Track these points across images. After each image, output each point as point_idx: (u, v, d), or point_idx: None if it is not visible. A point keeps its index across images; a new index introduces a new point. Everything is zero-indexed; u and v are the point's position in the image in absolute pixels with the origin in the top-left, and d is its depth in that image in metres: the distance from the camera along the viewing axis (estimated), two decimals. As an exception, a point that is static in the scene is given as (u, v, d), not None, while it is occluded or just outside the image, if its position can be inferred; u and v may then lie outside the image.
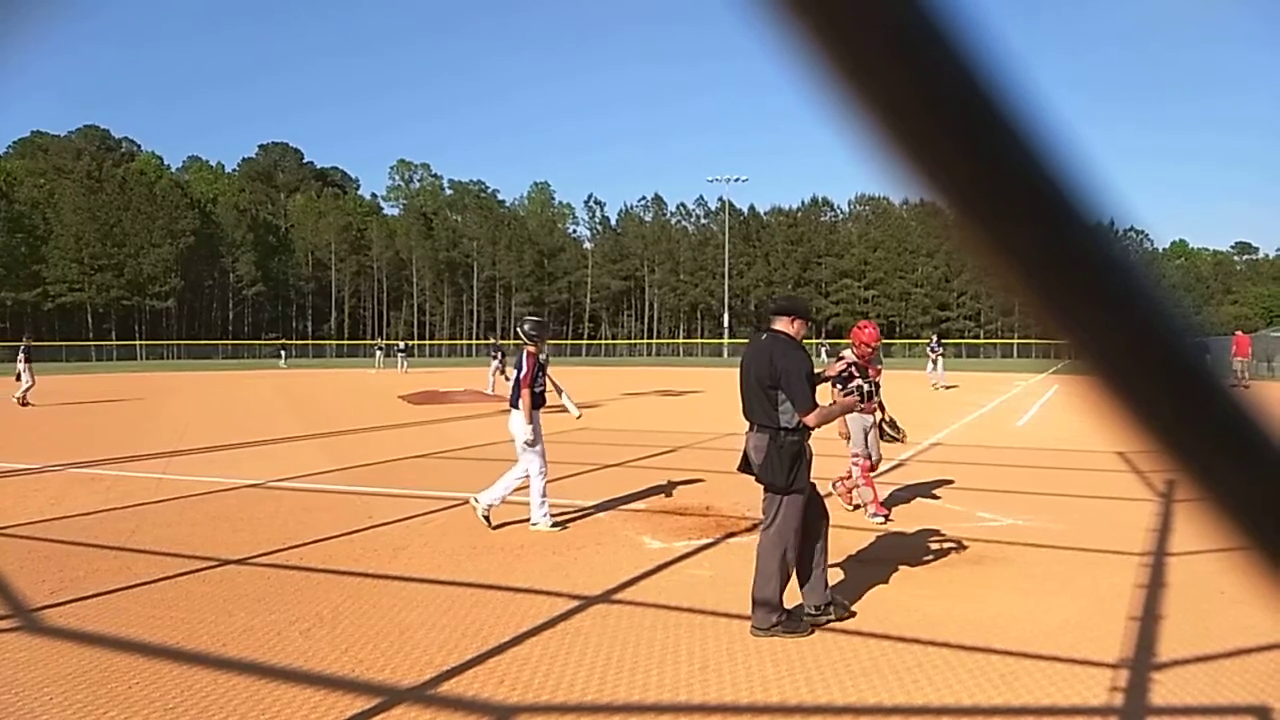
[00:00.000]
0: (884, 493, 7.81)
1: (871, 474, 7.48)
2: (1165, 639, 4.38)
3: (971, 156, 0.34)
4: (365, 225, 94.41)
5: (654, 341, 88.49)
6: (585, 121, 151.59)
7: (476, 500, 7.05)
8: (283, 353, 57.72)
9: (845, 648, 4.30)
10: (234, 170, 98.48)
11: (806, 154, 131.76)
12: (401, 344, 48.83)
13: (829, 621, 4.59)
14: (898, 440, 7.75)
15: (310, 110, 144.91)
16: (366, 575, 5.63)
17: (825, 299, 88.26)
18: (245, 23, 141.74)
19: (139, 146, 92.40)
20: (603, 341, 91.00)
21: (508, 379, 23.24)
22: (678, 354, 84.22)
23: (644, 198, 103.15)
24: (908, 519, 7.32)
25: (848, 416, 6.92)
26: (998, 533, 6.76)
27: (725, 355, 74.75)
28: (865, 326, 7.40)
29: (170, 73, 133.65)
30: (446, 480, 9.39)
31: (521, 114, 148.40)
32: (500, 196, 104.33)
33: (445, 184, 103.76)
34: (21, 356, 21.42)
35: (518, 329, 7.62)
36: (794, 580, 4.64)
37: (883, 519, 7.19)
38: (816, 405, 4.59)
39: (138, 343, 73.99)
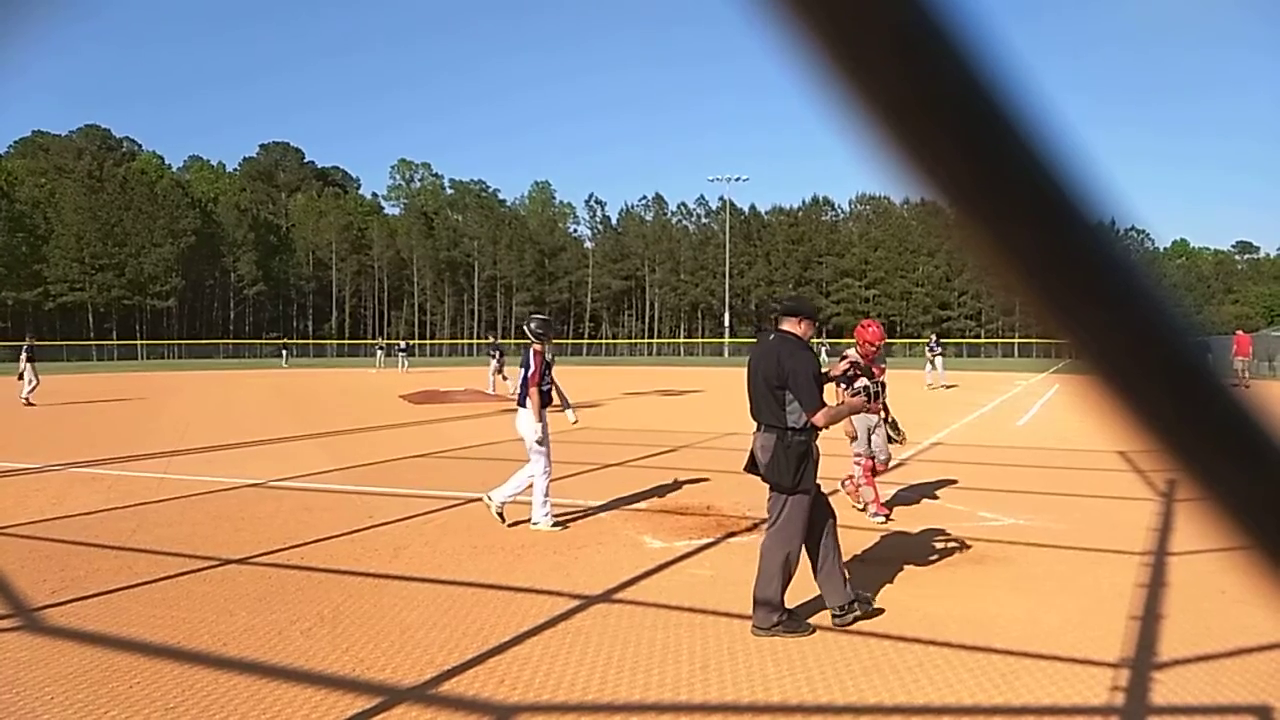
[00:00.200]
0: (885, 493, 7.80)
1: (876, 474, 7.47)
2: (1166, 638, 4.38)
3: (973, 156, 0.34)
4: (366, 225, 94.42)
5: (655, 341, 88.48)
6: (586, 121, 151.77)
7: (490, 499, 7.06)
8: (284, 352, 57.63)
9: (846, 647, 4.30)
10: (235, 170, 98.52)
11: (807, 154, 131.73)
12: (402, 343, 48.81)
13: (856, 620, 4.55)
14: (897, 442, 7.75)
15: (311, 110, 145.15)
16: (367, 575, 5.63)
17: (826, 298, 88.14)
18: (246, 22, 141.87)
19: (140, 146, 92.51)
20: (603, 341, 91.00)
21: (505, 378, 23.50)
22: (678, 353, 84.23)
23: (645, 197, 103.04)
24: (909, 519, 7.31)
25: (853, 416, 6.91)
26: (999, 532, 6.76)
27: (726, 355, 74.79)
28: (869, 325, 7.35)
29: (171, 72, 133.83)
30: (447, 480, 9.40)
31: (522, 114, 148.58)
32: (501, 196, 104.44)
33: (446, 183, 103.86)
34: (25, 356, 21.42)
35: (523, 327, 7.63)
36: (794, 581, 4.64)
37: (884, 519, 7.19)
38: (824, 405, 4.60)
39: (139, 342, 74.01)
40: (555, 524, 6.97)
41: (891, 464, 7.62)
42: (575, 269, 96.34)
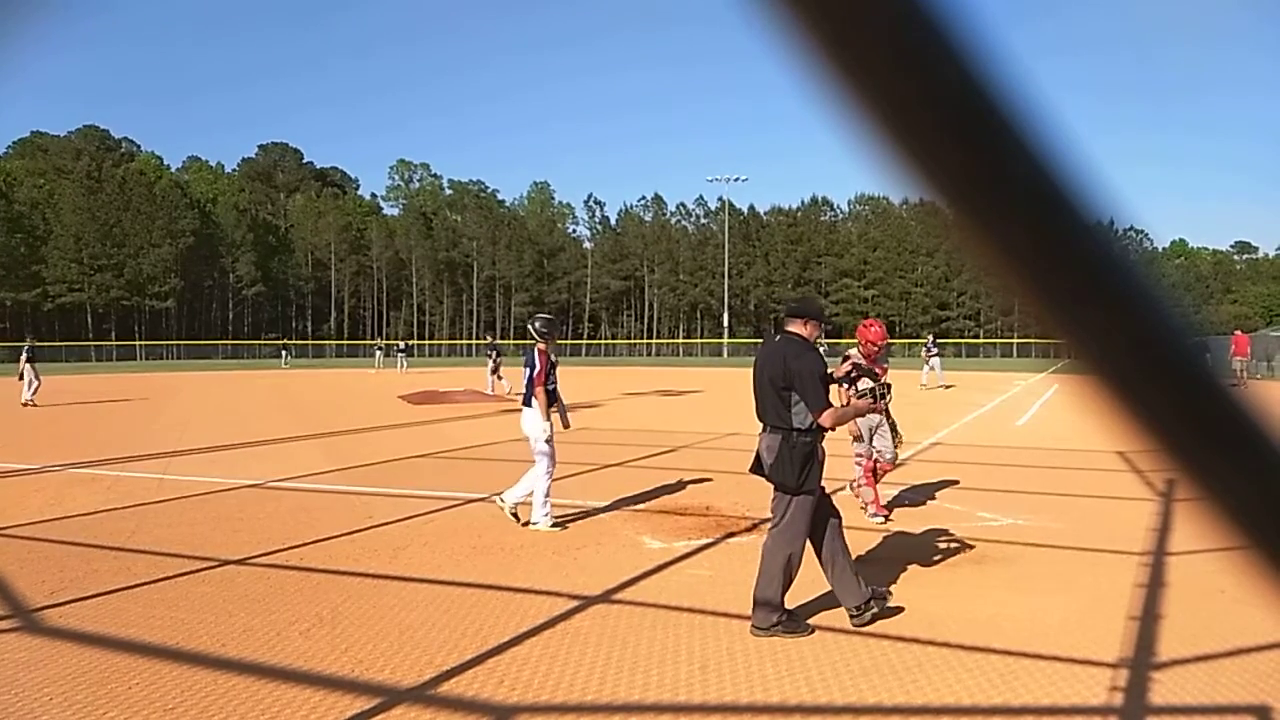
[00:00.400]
0: (885, 494, 7.80)
1: (884, 474, 7.45)
2: (1165, 638, 4.38)
3: (971, 156, 0.34)
4: (365, 225, 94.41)
5: (654, 341, 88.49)
6: (585, 121, 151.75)
7: (502, 500, 7.06)
8: (284, 353, 57.46)
9: (845, 647, 4.30)
10: (234, 170, 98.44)
11: (806, 154, 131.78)
12: (401, 344, 48.79)
13: (875, 619, 4.54)
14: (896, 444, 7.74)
15: (310, 110, 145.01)
16: (366, 575, 5.63)
17: (825, 299, 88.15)
18: (245, 23, 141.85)
19: (139, 147, 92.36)
20: (602, 341, 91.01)
21: (500, 378, 23.50)
22: (677, 354, 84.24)
23: (644, 197, 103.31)
24: (908, 519, 7.32)
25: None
26: (998, 532, 6.76)
27: (725, 355, 74.81)
28: (871, 325, 7.31)
29: (170, 73, 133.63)
30: (446, 480, 9.40)
31: (521, 114, 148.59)
32: (500, 196, 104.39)
33: (445, 184, 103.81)
34: (25, 357, 21.40)
35: (528, 327, 7.63)
36: (794, 582, 4.64)
37: (883, 519, 7.19)
38: (831, 405, 4.61)
39: (137, 343, 73.97)
40: (554, 524, 6.97)
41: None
42: (574, 269, 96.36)
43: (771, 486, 4.72)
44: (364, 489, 8.90)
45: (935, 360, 27.17)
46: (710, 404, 22.15)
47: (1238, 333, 30.23)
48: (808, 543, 4.64)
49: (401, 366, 44.31)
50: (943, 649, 4.26)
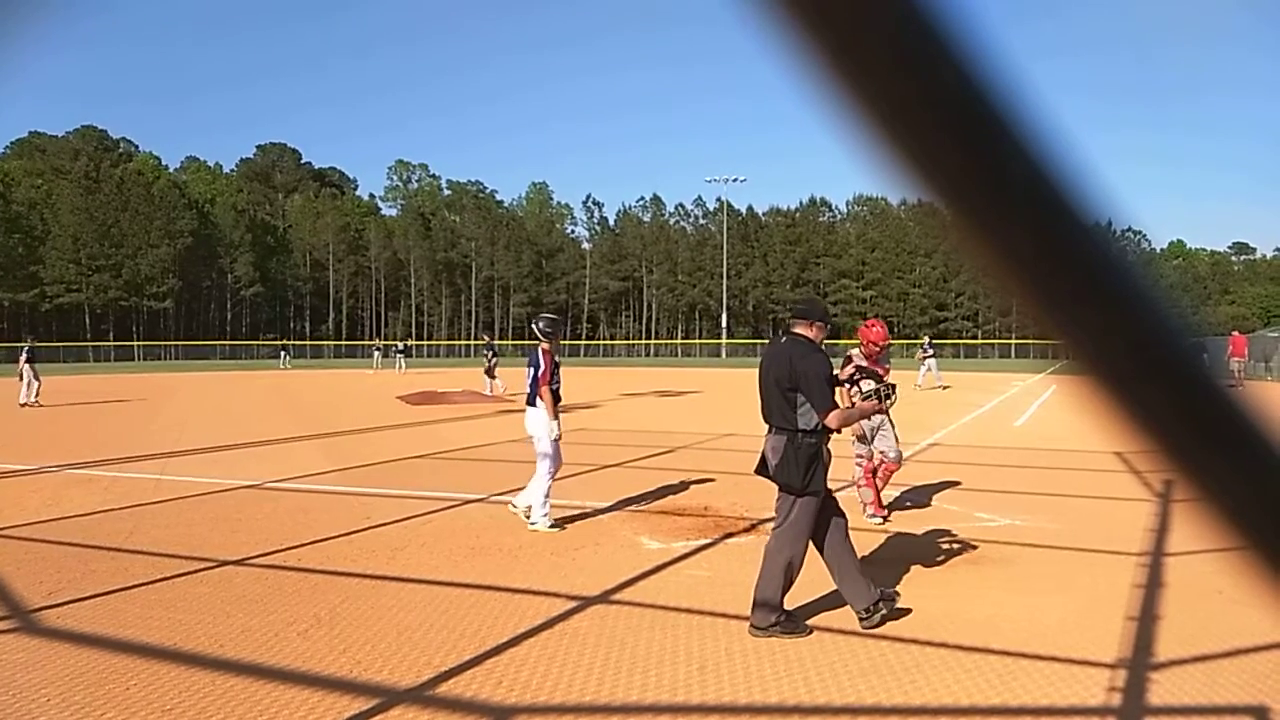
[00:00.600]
0: (885, 494, 7.79)
1: (881, 473, 7.44)
2: (1163, 639, 4.39)
3: (969, 157, 0.34)
4: (363, 226, 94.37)
5: (652, 342, 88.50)
6: (583, 122, 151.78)
7: (515, 505, 7.05)
8: (283, 353, 57.24)
9: (843, 648, 4.31)
10: (232, 170, 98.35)
11: (805, 155, 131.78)
12: (400, 344, 48.76)
13: (884, 621, 4.53)
14: None
15: (308, 111, 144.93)
16: (364, 576, 5.62)
17: (824, 299, 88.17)
18: (243, 23, 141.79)
19: (137, 147, 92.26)
20: (601, 342, 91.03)
21: (493, 377, 23.50)
22: (676, 354, 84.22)
23: (642, 198, 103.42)
24: (906, 519, 7.32)
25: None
26: (996, 533, 6.77)
27: (723, 356, 74.81)
28: (873, 325, 7.28)
29: (168, 73, 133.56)
30: (445, 481, 9.39)
31: (520, 115, 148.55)
32: (498, 197, 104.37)
33: (443, 184, 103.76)
34: (25, 358, 21.36)
35: (532, 326, 7.62)
36: (795, 583, 4.64)
37: (881, 520, 7.19)
38: (837, 406, 4.61)
39: (135, 343, 73.87)
40: (553, 525, 6.97)
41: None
42: (573, 270, 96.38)
43: (774, 487, 4.72)
44: (362, 490, 8.90)
45: (930, 361, 27.30)
46: (709, 405, 22.16)
47: (1235, 333, 30.28)
48: (810, 544, 4.64)
49: (400, 367, 44.31)
50: (941, 649, 4.26)
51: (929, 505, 7.94)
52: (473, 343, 79.41)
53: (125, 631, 4.55)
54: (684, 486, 8.93)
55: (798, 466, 4.54)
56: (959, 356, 65.14)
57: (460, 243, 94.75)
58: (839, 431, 4.72)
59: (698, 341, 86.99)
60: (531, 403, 7.19)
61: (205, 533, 6.89)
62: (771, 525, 4.80)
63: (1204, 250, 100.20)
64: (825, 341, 4.87)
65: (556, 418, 7.09)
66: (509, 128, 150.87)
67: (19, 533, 6.94)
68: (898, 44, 0.32)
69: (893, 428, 7.45)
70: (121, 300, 77.40)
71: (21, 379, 21.20)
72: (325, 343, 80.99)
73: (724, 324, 80.00)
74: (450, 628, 4.61)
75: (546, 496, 6.98)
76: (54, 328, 73.47)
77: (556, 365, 7.25)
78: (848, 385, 5.86)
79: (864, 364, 6.95)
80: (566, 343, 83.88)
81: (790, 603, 4.61)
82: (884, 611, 4.54)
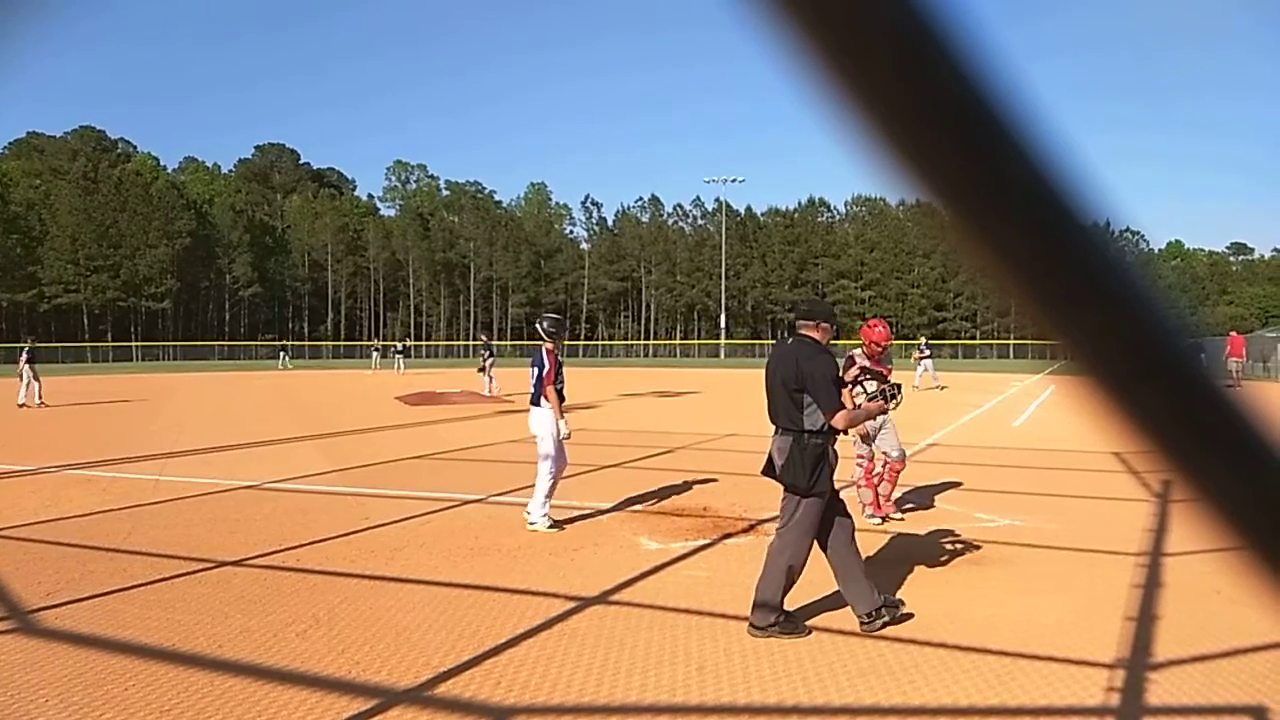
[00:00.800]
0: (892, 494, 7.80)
1: (887, 473, 7.44)
2: (1161, 639, 4.39)
3: (967, 157, 0.34)
4: (362, 226, 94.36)
5: (651, 342, 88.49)
6: (582, 123, 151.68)
7: (529, 512, 7.04)
8: (283, 354, 57.07)
9: (842, 648, 4.31)
10: (230, 171, 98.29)
11: (803, 155, 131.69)
12: (399, 345, 48.71)
13: (885, 626, 4.52)
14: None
15: (307, 111, 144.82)
16: (363, 577, 5.62)
17: (822, 300, 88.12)
18: (241, 23, 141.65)
19: (135, 147, 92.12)
20: (599, 342, 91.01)
21: (488, 376, 23.49)
22: (674, 355, 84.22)
23: (641, 199, 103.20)
24: (905, 520, 7.32)
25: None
26: (994, 533, 6.77)
27: (722, 356, 74.81)
28: (875, 325, 7.25)
29: (167, 74, 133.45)
30: (443, 482, 9.39)
31: (518, 115, 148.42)
32: (497, 197, 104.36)
33: (442, 185, 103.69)
34: (25, 358, 21.32)
35: (536, 326, 7.62)
36: (798, 585, 4.63)
37: (880, 520, 7.19)
38: (843, 407, 4.62)
39: (133, 344, 73.81)
40: (552, 525, 6.97)
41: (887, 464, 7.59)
42: (571, 270, 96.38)
43: (773, 487, 4.72)
44: (361, 490, 8.89)
45: (927, 362, 27.40)
46: (707, 405, 22.16)
47: (1233, 334, 30.31)
48: (814, 545, 4.64)
49: (399, 367, 44.28)
50: (939, 649, 4.26)
51: (928, 505, 7.94)
52: (471, 343, 79.39)
53: (124, 632, 4.55)
54: (683, 487, 8.93)
55: (803, 467, 4.55)
56: (957, 357, 65.23)
57: (459, 243, 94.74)
58: (846, 432, 4.72)
59: (696, 342, 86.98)
60: (535, 402, 7.19)
61: (204, 533, 6.88)
62: (775, 525, 4.80)
63: (1202, 250, 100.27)
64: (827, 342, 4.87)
65: (563, 416, 7.10)
66: (507, 128, 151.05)
67: (17, 533, 6.93)
68: (896, 44, 0.32)
69: (894, 427, 7.46)
70: (120, 301, 77.35)
71: (21, 379, 21.17)
72: (324, 343, 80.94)
73: (722, 324, 80.00)
74: (449, 628, 4.61)
75: (547, 497, 6.98)
76: (52, 328, 73.40)
77: (560, 365, 7.26)
78: (851, 386, 5.86)
79: (867, 364, 6.96)
80: (565, 343, 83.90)
81: (790, 603, 4.61)
82: (885, 619, 4.53)
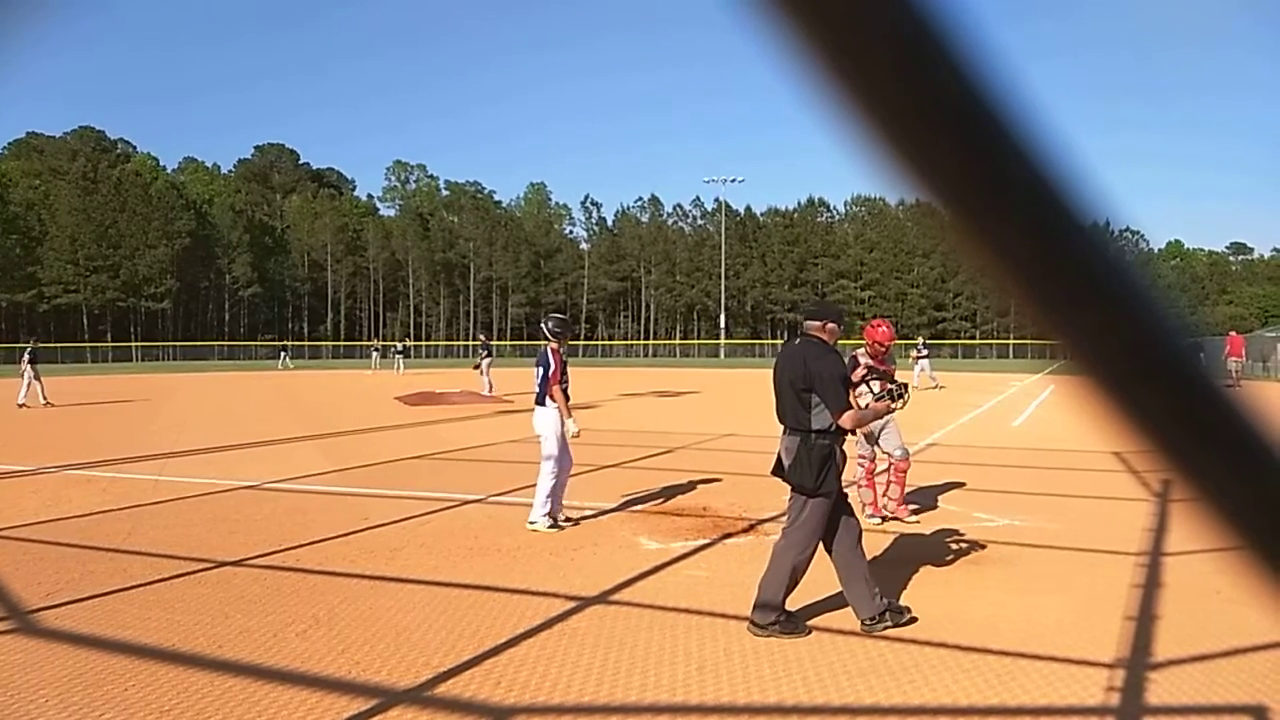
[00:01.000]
0: (891, 495, 7.79)
1: (893, 472, 7.44)
2: (1161, 639, 4.39)
3: (967, 157, 0.34)
4: (361, 226, 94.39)
5: (650, 342, 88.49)
6: (582, 123, 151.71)
7: (548, 518, 7.02)
8: (283, 354, 56.99)
9: (842, 648, 4.31)
10: (230, 171, 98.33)
11: (803, 155, 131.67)
12: (398, 345, 48.71)
13: (886, 628, 4.51)
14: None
15: (306, 111, 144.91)
16: (363, 577, 5.62)
17: (822, 300, 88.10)
18: (241, 24, 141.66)
19: (134, 148, 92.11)
20: (599, 342, 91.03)
21: (483, 374, 23.49)
22: (674, 355, 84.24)
23: (640, 199, 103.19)
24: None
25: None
26: (994, 533, 6.77)
27: (721, 356, 74.83)
28: (879, 325, 7.22)
29: (166, 74, 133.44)
30: (443, 482, 9.39)
31: (518, 115, 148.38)
32: (497, 197, 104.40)
33: (441, 185, 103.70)
34: (26, 359, 21.31)
35: (541, 326, 7.63)
36: (799, 585, 4.63)
37: (879, 520, 7.19)
38: (851, 407, 4.62)
39: (133, 344, 73.83)
40: (551, 525, 6.97)
41: (887, 465, 7.59)
42: (571, 270, 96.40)
43: (773, 486, 4.72)
44: (361, 490, 8.89)
45: (924, 362, 27.47)
46: (707, 405, 22.16)
47: (1233, 333, 30.32)
48: (820, 546, 4.64)
49: (398, 368, 44.28)
50: (939, 649, 4.26)
51: (928, 505, 7.94)
52: (471, 343, 79.40)
53: (123, 632, 4.54)
54: (682, 487, 8.93)
55: (811, 467, 4.55)
56: (957, 356, 65.25)
57: (458, 243, 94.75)
58: (853, 432, 4.71)
59: (696, 342, 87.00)
60: (540, 402, 7.19)
61: (204, 533, 6.88)
62: (780, 524, 4.79)
63: (1202, 250, 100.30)
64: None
65: (570, 415, 7.11)
66: (507, 128, 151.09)
67: (17, 533, 6.93)
68: (895, 45, 0.32)
69: (896, 427, 7.45)
70: (119, 301, 77.36)
71: (23, 379, 21.16)
72: (323, 343, 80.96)
73: (722, 324, 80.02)
74: (449, 628, 4.61)
75: (548, 497, 6.99)
76: (52, 328, 73.36)
77: (565, 364, 7.28)
78: (857, 386, 5.85)
79: (871, 364, 6.95)
80: (569, 343, 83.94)
81: (790, 603, 4.61)
82: (888, 624, 4.52)
